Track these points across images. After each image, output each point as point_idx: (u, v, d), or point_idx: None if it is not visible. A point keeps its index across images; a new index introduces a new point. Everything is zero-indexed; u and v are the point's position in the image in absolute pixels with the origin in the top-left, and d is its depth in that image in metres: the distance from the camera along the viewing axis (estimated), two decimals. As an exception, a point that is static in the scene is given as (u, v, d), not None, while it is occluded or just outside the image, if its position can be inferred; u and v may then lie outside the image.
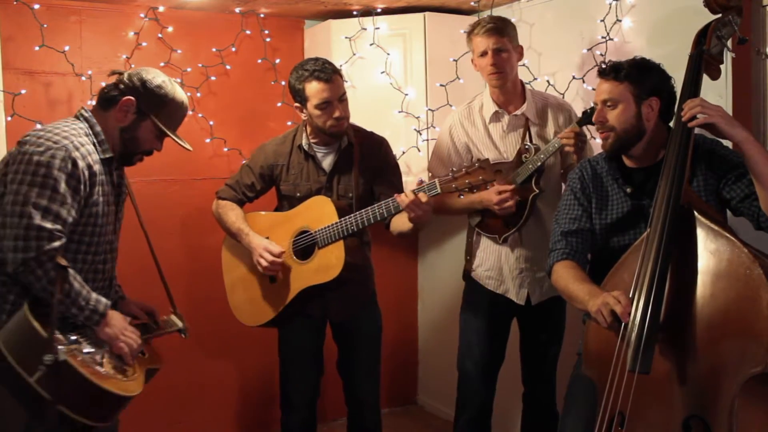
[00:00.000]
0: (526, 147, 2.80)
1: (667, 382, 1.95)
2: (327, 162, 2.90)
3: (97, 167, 2.21)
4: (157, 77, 2.33)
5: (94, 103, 2.46)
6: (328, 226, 2.74)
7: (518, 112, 2.89)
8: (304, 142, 2.90)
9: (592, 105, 2.68)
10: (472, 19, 3.68)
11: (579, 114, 2.80)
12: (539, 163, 2.75)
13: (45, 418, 1.99)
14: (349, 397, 3.05)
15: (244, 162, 3.08)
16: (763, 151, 2.06)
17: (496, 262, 2.97)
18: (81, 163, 2.14)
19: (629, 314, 1.96)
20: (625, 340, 1.96)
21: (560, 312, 3.02)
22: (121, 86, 2.30)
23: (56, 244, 2.06)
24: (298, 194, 2.90)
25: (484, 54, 2.82)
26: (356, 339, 3.00)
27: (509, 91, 2.89)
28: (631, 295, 2.00)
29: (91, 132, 2.26)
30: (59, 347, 1.95)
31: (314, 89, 2.77)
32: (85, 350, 2.14)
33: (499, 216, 2.86)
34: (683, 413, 1.90)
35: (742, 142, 2.05)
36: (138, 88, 2.29)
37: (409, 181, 3.71)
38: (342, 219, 2.71)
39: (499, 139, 2.92)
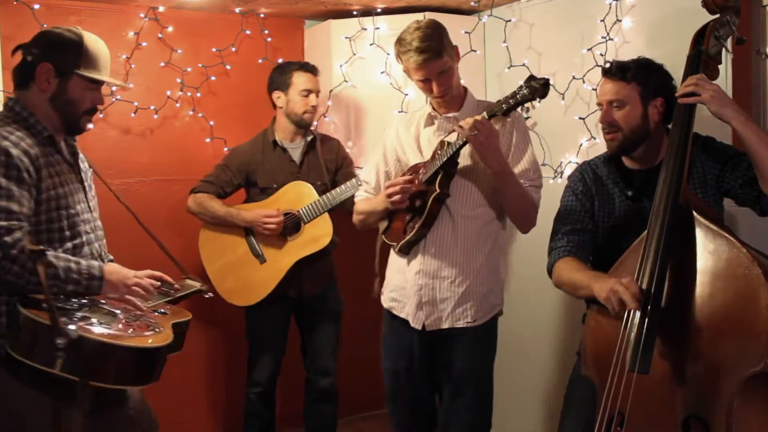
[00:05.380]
0: (443, 143, 2.49)
1: (667, 381, 1.95)
2: (296, 155, 3.33)
3: (34, 151, 2.05)
4: (60, 30, 2.15)
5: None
6: (312, 204, 3.15)
7: (450, 114, 2.60)
8: (277, 137, 3.32)
9: (507, 94, 2.39)
10: (473, 19, 3.69)
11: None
12: (445, 159, 2.44)
13: (78, 400, 1.91)
14: (309, 365, 3.40)
15: (217, 164, 3.40)
16: (755, 129, 2.05)
17: (400, 281, 2.62)
18: (15, 151, 2.00)
19: (639, 302, 1.93)
20: (626, 337, 1.96)
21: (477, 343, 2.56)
22: (29, 57, 2.12)
23: (17, 234, 1.95)
24: (275, 185, 3.29)
25: (426, 81, 2.51)
26: (321, 315, 3.36)
27: (451, 98, 2.60)
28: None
29: (19, 118, 2.10)
30: (69, 327, 1.88)
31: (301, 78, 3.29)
32: (98, 321, 2.02)
33: (402, 218, 2.59)
34: (683, 413, 1.90)
35: (731, 121, 2.05)
36: (47, 50, 2.11)
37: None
38: (323, 196, 3.17)
39: (426, 142, 2.63)
